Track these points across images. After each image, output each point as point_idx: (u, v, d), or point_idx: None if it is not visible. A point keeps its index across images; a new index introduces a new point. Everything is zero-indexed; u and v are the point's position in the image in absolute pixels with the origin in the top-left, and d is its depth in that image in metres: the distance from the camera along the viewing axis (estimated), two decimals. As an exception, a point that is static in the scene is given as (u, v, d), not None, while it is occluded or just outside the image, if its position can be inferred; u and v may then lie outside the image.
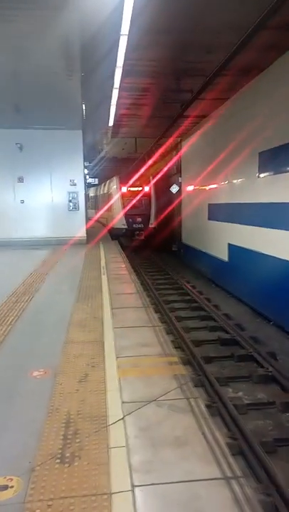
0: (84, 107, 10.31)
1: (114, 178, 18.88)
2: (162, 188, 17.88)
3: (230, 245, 9.76)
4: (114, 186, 18.66)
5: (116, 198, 18.19)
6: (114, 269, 8.56)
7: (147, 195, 18.16)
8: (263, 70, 7.60)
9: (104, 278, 7.57)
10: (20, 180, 13.30)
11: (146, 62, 7.33)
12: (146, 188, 18.15)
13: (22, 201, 13.40)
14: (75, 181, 13.54)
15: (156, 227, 17.81)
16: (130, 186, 18.16)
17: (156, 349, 3.98)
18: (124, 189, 18.09)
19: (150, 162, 17.33)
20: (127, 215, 17.80)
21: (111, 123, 11.51)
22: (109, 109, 9.98)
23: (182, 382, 3.23)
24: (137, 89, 8.92)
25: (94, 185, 26.36)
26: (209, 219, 11.50)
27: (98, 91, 8.72)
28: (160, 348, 4.01)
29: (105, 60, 6.77)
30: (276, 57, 6.98)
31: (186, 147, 14.65)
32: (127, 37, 5.72)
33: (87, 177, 19.10)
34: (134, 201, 17.95)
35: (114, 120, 11.28)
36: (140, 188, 18.20)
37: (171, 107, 9.81)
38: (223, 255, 10.20)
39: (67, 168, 13.37)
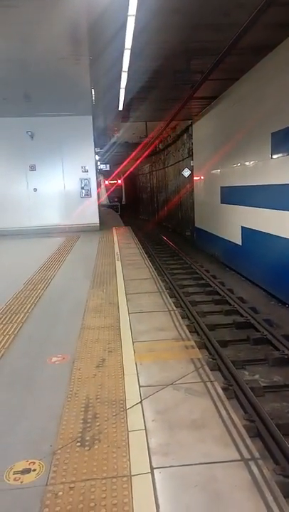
0: (93, 92, 10.20)
1: (101, 176, 28.60)
2: (130, 180, 33.95)
3: (243, 228, 9.67)
4: (101, 180, 29.30)
5: (102, 187, 29.75)
6: (128, 255, 8.58)
7: (120, 186, 33.44)
8: (273, 49, 7.40)
9: (118, 264, 7.60)
10: (33, 168, 13.31)
11: (155, 45, 7.19)
12: (120, 181, 33.32)
13: (35, 189, 13.43)
14: (87, 168, 13.49)
15: (126, 204, 33.41)
16: (110, 180, 32.54)
17: (172, 333, 4.00)
18: (106, 182, 32.18)
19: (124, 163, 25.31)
20: (108, 196, 32.57)
21: (121, 107, 11.36)
22: (118, 93, 9.84)
23: (198, 365, 3.25)
24: (147, 72, 8.76)
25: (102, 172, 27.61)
26: (222, 202, 11.39)
27: (107, 75, 8.59)
28: (176, 332, 4.03)
29: (113, 43, 6.65)
30: (287, 34, 6.79)
31: (196, 130, 14.45)
32: (134, 17, 5.60)
33: (99, 163, 19.06)
34: (112, 189, 32.94)
35: (124, 104, 11.13)
36: (116, 181, 33.07)
37: (182, 88, 9.64)
38: (237, 238, 10.12)
39: (79, 154, 13.32)
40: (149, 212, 28.35)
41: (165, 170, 21.96)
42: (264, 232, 8.31)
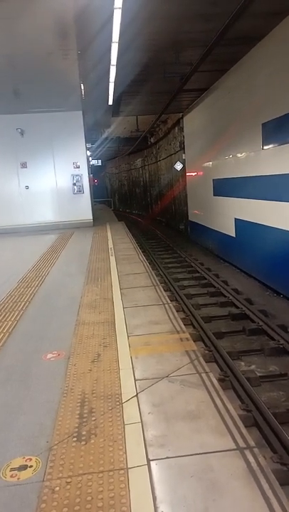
0: (82, 87, 10.13)
1: None
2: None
3: (236, 220, 9.68)
4: None
5: None
6: (122, 250, 8.57)
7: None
8: (262, 38, 7.37)
9: (112, 259, 7.59)
10: (24, 165, 13.23)
11: (143, 37, 7.13)
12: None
13: (27, 187, 13.36)
14: (78, 164, 13.44)
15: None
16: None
17: (167, 326, 4.01)
18: None
19: None
20: None
21: (111, 101, 11.29)
22: (108, 87, 9.78)
23: (193, 357, 3.26)
24: (136, 65, 8.70)
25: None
26: (215, 194, 11.38)
27: (96, 69, 8.51)
28: (171, 325, 4.04)
29: (101, 36, 6.58)
30: (276, 24, 6.76)
31: (187, 123, 14.41)
32: (120, 10, 5.54)
33: (90, 159, 19.00)
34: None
35: (114, 98, 11.07)
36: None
37: (172, 81, 9.59)
38: (230, 230, 10.13)
39: (70, 150, 13.26)
40: (141, 207, 28.33)
41: (157, 164, 21.91)
42: (257, 224, 8.32)
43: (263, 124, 7.61)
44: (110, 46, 6.95)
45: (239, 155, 9.24)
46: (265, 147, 7.67)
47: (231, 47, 7.73)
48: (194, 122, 13.51)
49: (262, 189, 7.95)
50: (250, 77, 8.21)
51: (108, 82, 9.27)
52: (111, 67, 8.10)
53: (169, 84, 10.02)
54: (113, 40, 6.63)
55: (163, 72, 8.98)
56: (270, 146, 7.44)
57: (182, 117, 14.98)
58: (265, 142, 7.66)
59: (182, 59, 8.33)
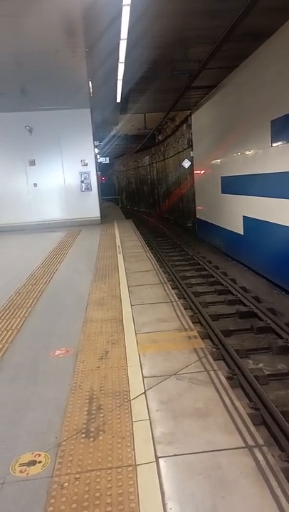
0: (90, 85, 10.13)
1: None
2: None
3: (245, 218, 9.63)
4: None
5: None
6: (130, 248, 8.57)
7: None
8: (272, 34, 7.31)
9: (120, 257, 7.59)
10: (32, 163, 13.27)
11: (151, 34, 7.11)
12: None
13: (35, 184, 13.41)
14: (86, 161, 13.44)
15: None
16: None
17: (175, 324, 4.00)
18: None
19: None
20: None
21: (119, 99, 11.28)
22: (116, 85, 9.77)
23: (201, 355, 3.25)
24: (144, 63, 8.69)
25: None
26: (223, 192, 11.33)
27: (104, 67, 8.51)
28: (178, 322, 4.04)
29: (109, 33, 6.57)
30: (285, 20, 6.70)
31: (196, 120, 14.35)
32: (129, 7, 5.53)
33: (98, 156, 19.01)
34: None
35: (122, 96, 11.05)
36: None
37: (180, 78, 9.55)
38: (238, 228, 10.08)
39: (78, 148, 13.26)
40: (149, 205, 28.31)
41: (165, 161, 21.87)
42: (266, 221, 8.27)
43: (272, 122, 7.55)
44: (118, 43, 6.95)
45: (248, 152, 9.18)
46: (274, 144, 7.62)
47: (240, 43, 7.69)
48: (202, 120, 13.45)
49: (271, 187, 7.90)
50: (259, 73, 8.16)
51: (116, 79, 9.27)
52: (119, 64, 8.09)
53: (177, 82, 9.99)
54: (121, 37, 6.62)
55: (171, 69, 8.96)
56: (279, 143, 7.39)
57: (190, 115, 14.93)
58: (273, 139, 7.60)
59: (190, 56, 8.30)
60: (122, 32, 6.42)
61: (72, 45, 7.35)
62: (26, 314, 4.64)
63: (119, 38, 6.71)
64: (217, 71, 9.58)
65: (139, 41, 7.18)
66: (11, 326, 4.27)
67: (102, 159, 21.72)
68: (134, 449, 2.18)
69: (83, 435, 2.34)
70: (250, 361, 5.08)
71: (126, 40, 6.81)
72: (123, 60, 7.87)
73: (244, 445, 2.15)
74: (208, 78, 10.11)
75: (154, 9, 6.06)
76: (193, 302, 7.17)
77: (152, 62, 8.71)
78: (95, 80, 9.76)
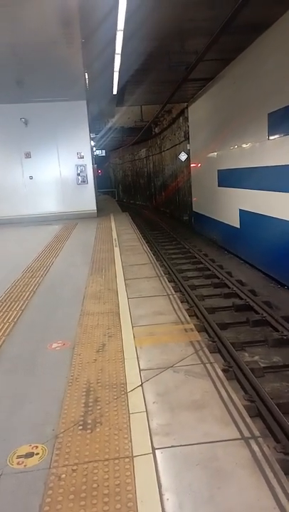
0: (86, 76, 10.04)
1: None
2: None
3: (241, 211, 9.63)
4: None
5: None
6: (126, 241, 8.56)
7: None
8: (269, 26, 7.26)
9: (116, 250, 7.59)
10: (28, 155, 13.19)
11: (148, 25, 7.04)
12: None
13: (31, 177, 13.34)
14: (82, 154, 13.37)
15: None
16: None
17: (171, 317, 4.01)
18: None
19: None
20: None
21: (115, 91, 11.20)
22: (112, 76, 9.69)
23: (198, 348, 3.27)
24: (141, 54, 8.61)
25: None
26: (219, 185, 11.32)
27: (100, 58, 8.42)
28: (175, 315, 4.05)
29: (106, 25, 6.51)
30: (283, 11, 6.65)
31: (192, 113, 14.28)
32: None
33: (94, 149, 18.92)
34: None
35: (119, 88, 10.97)
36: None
37: (177, 70, 9.49)
38: (235, 221, 10.09)
39: (74, 140, 13.19)
40: (146, 198, 28.25)
41: (162, 154, 21.79)
42: (262, 215, 8.28)
43: (269, 114, 7.53)
44: (115, 35, 6.87)
45: (244, 145, 9.16)
46: (271, 137, 7.60)
47: (237, 35, 7.63)
48: (199, 112, 13.39)
49: (267, 180, 7.90)
50: (257, 66, 8.11)
51: (112, 71, 9.19)
52: (115, 55, 8.02)
53: (173, 74, 9.93)
54: (118, 28, 6.55)
55: (168, 61, 8.90)
56: (276, 136, 7.38)
57: (187, 107, 14.85)
58: (271, 132, 7.59)
59: (187, 48, 8.24)
60: (118, 23, 6.34)
61: (68, 35, 7.27)
62: (23, 307, 4.64)
63: (115, 29, 6.64)
64: (214, 63, 9.52)
65: (136, 32, 7.10)
66: (8, 319, 4.27)
67: (98, 152, 21.64)
68: (131, 441, 2.20)
69: (80, 427, 2.35)
70: (246, 354, 5.11)
71: (122, 32, 6.73)
72: (119, 52, 7.79)
73: (240, 436, 2.17)
74: (205, 70, 10.05)
75: (151, 0, 5.99)
76: (189, 295, 7.19)
77: (149, 54, 8.63)
78: (92, 71, 9.67)
